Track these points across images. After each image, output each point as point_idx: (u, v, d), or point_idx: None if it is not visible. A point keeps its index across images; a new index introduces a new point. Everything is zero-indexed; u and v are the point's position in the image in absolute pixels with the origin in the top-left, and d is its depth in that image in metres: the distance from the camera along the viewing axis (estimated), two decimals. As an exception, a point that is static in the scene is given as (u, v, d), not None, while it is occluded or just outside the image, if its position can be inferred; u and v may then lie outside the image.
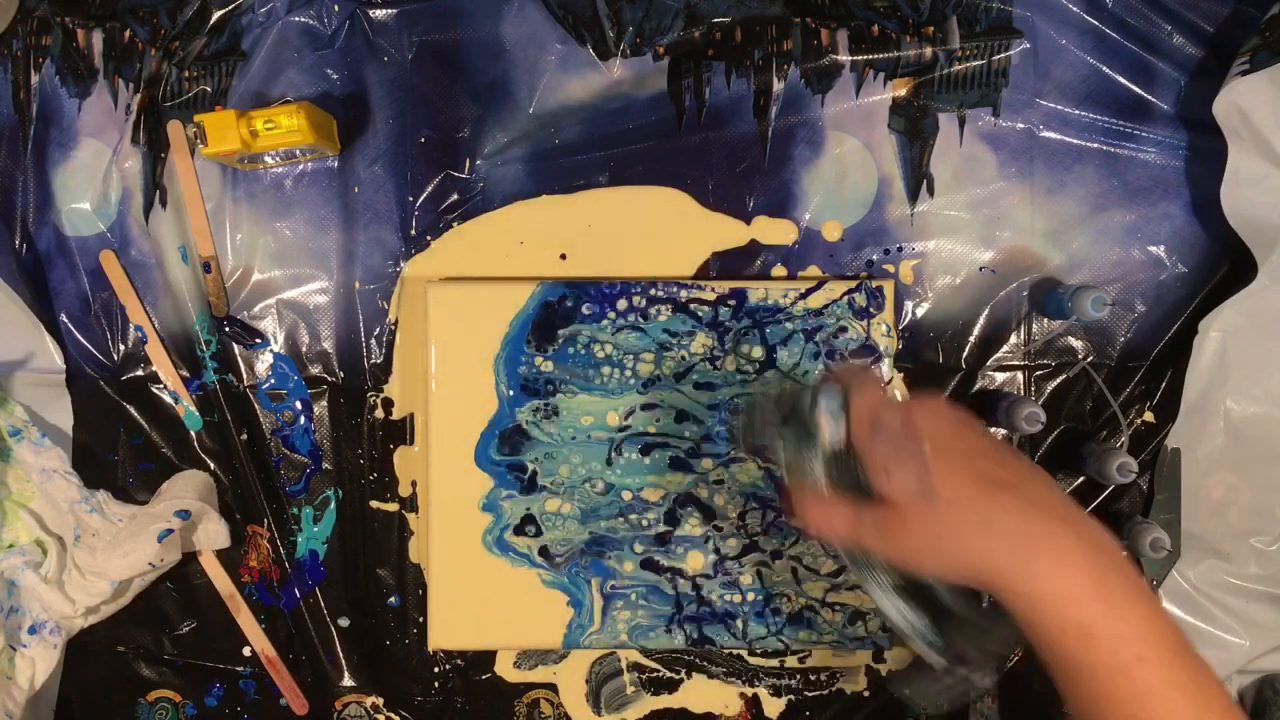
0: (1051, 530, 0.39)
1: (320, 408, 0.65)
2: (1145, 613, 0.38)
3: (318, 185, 0.65)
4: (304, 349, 0.65)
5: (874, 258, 0.64)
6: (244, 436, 0.65)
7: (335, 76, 0.64)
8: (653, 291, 0.62)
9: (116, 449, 0.66)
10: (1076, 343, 0.64)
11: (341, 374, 0.65)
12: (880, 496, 0.42)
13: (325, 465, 0.66)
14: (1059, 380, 0.64)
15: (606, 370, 0.63)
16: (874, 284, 0.62)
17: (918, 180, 0.64)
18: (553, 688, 0.66)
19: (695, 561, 0.63)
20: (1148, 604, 0.39)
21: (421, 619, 0.65)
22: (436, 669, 0.66)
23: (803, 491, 0.45)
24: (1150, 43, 0.63)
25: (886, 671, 0.65)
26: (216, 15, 0.64)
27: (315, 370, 0.65)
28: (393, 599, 0.66)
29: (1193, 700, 0.37)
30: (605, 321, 0.62)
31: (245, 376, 0.65)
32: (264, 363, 0.65)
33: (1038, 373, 0.64)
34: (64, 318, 0.65)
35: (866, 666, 0.66)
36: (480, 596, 0.63)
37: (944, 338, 0.64)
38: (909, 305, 0.64)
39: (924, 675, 0.46)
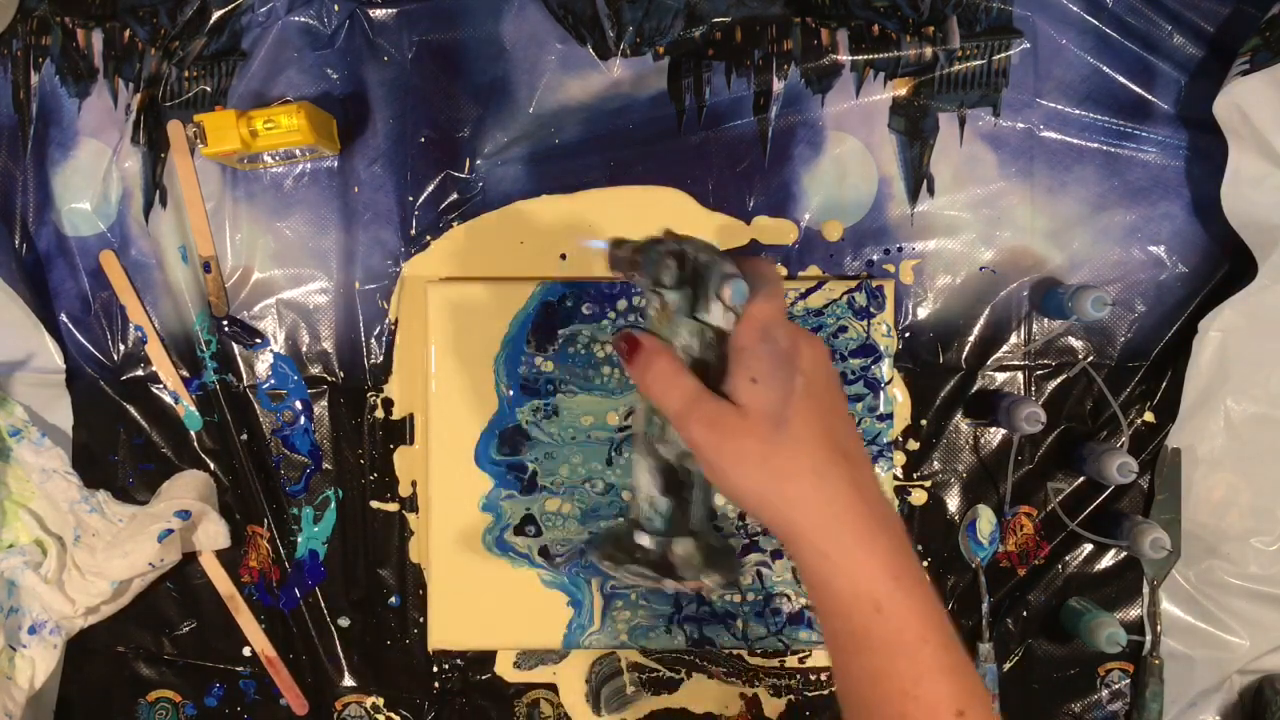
0: (869, 509, 0.40)
1: (320, 408, 0.65)
2: (929, 599, 0.40)
3: (317, 185, 0.65)
4: (304, 349, 0.65)
5: (874, 258, 0.64)
6: (244, 436, 0.65)
7: (335, 76, 0.64)
8: (653, 291, 0.62)
9: (116, 449, 0.66)
10: (1076, 343, 0.64)
11: (341, 374, 0.65)
12: (730, 397, 0.42)
13: (325, 465, 0.66)
14: (1059, 380, 0.64)
15: (606, 370, 0.63)
16: (874, 284, 0.62)
17: (918, 180, 0.64)
18: (553, 688, 0.66)
19: (695, 561, 0.63)
20: (931, 592, 0.40)
21: (421, 619, 0.65)
22: (436, 669, 0.66)
23: (656, 347, 0.44)
24: (1150, 43, 0.62)
25: (592, 532, 0.63)
26: (216, 15, 0.64)
27: (315, 370, 0.65)
28: (393, 599, 0.66)
29: (960, 687, 0.39)
30: (605, 321, 0.62)
31: (245, 376, 0.65)
32: (264, 363, 0.65)
33: (1038, 373, 0.64)
34: (64, 318, 0.65)
35: (866, 666, 0.66)
36: (480, 596, 0.63)
37: (944, 338, 0.64)
38: (909, 305, 0.64)
39: (634, 567, 0.46)
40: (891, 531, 0.40)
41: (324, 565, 0.66)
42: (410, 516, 0.66)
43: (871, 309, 0.62)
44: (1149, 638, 0.64)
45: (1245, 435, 0.63)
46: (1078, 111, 0.63)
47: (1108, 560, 0.65)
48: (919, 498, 0.65)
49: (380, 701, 0.66)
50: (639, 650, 0.65)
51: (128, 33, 0.65)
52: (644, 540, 0.45)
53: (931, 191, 0.64)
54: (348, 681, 0.66)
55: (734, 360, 0.42)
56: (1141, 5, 0.62)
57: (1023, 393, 0.64)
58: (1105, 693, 0.65)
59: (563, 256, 0.65)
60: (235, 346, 0.65)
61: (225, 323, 0.65)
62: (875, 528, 0.40)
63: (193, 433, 0.66)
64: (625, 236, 0.48)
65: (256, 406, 0.65)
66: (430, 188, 0.64)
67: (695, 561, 0.45)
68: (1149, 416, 0.64)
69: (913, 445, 0.65)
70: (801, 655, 0.65)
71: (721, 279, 0.43)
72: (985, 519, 0.64)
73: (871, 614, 0.39)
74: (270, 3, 0.64)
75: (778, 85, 0.63)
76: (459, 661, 0.66)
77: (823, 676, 0.66)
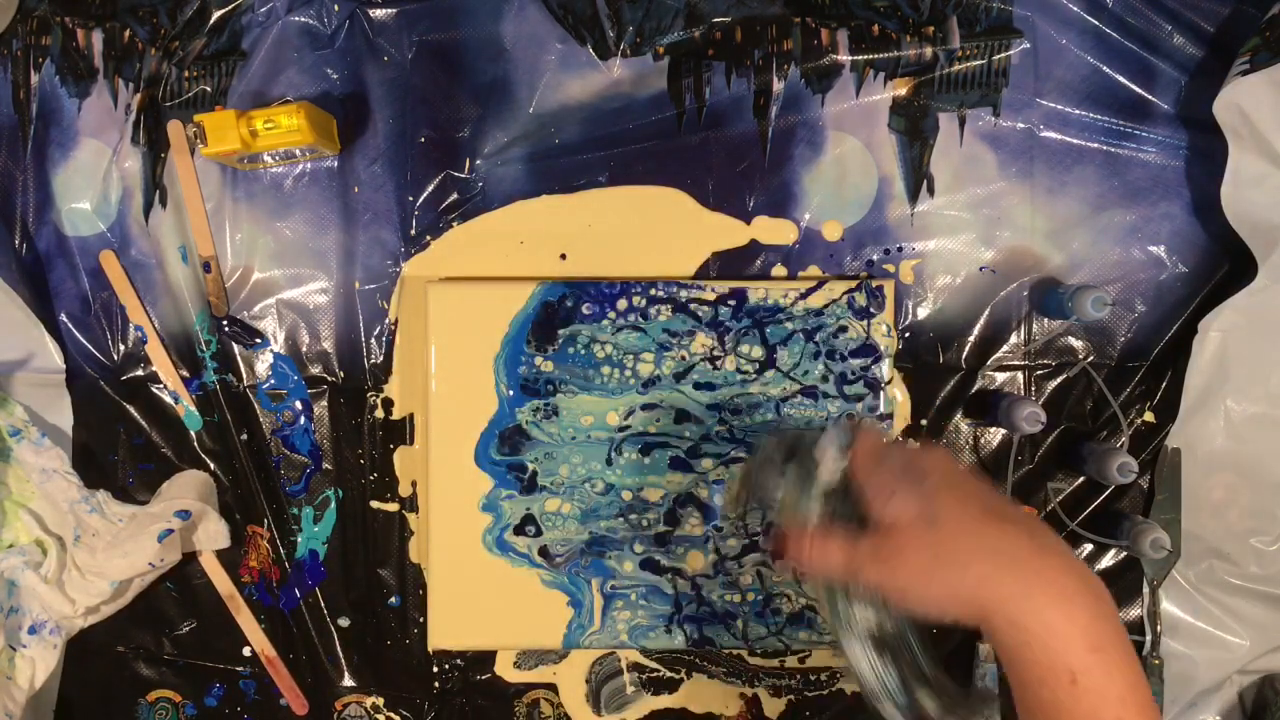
0: (1055, 566, 0.39)
1: (320, 408, 0.65)
2: (1132, 672, 0.38)
3: (317, 185, 0.65)
4: (304, 349, 0.65)
5: (874, 258, 0.64)
6: (244, 436, 0.65)
7: (335, 76, 0.64)
8: (653, 291, 0.62)
9: (116, 449, 0.66)
10: (1076, 343, 0.64)
11: (341, 374, 0.65)
12: (879, 523, 0.42)
13: (325, 465, 0.66)
14: (1059, 380, 0.64)
15: (606, 370, 0.63)
16: (874, 284, 0.62)
17: (918, 180, 0.64)
18: (553, 688, 0.66)
19: (695, 561, 0.63)
20: (1134, 661, 0.39)
21: (421, 619, 0.65)
22: (436, 669, 0.66)
23: (798, 530, 0.45)
24: (1150, 43, 0.62)
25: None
26: (216, 15, 0.64)
27: (315, 370, 0.65)
28: (393, 599, 0.66)
29: None
30: (605, 321, 0.62)
31: (245, 376, 0.65)
32: (264, 363, 0.65)
33: (1038, 373, 0.64)
34: (64, 318, 0.65)
35: (866, 666, 0.66)
36: (480, 596, 0.63)
37: (944, 338, 0.64)
38: (909, 305, 0.64)
39: None
40: (1092, 594, 0.39)
41: (324, 565, 0.66)
42: (410, 516, 0.66)
43: (871, 309, 0.62)
44: (1149, 638, 0.64)
45: (1245, 435, 0.63)
46: (1078, 111, 0.63)
47: (1108, 560, 0.65)
48: (919, 498, 0.65)
49: (380, 701, 0.66)
50: (639, 650, 0.65)
51: (128, 33, 0.65)
52: (892, 713, 0.45)
53: (931, 191, 0.64)
54: (348, 681, 0.66)
55: (867, 493, 0.43)
56: (1141, 5, 0.62)
57: (1023, 393, 0.64)
58: (1105, 693, 0.65)
59: (563, 256, 0.65)
60: (235, 346, 0.65)
61: (225, 323, 0.65)
62: (1072, 590, 0.38)
63: (193, 433, 0.66)
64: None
65: (256, 406, 0.65)
66: (430, 188, 0.64)
67: (947, 707, 0.44)
68: (1149, 416, 0.64)
69: (913, 445, 0.64)
70: (801, 655, 0.65)
71: (815, 438, 0.45)
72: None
73: (1067, 686, 0.38)
74: (270, 3, 0.64)
75: (778, 85, 0.63)
76: (459, 661, 0.66)
77: (823, 676, 0.66)
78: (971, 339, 0.64)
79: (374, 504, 0.66)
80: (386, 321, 0.65)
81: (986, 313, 0.64)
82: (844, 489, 0.45)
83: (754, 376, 0.62)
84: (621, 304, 0.62)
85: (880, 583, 0.42)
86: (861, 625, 0.45)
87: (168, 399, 0.66)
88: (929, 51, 0.62)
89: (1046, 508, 0.64)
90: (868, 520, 0.43)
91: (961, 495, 0.41)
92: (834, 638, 0.47)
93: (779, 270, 0.64)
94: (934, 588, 0.40)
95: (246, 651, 0.66)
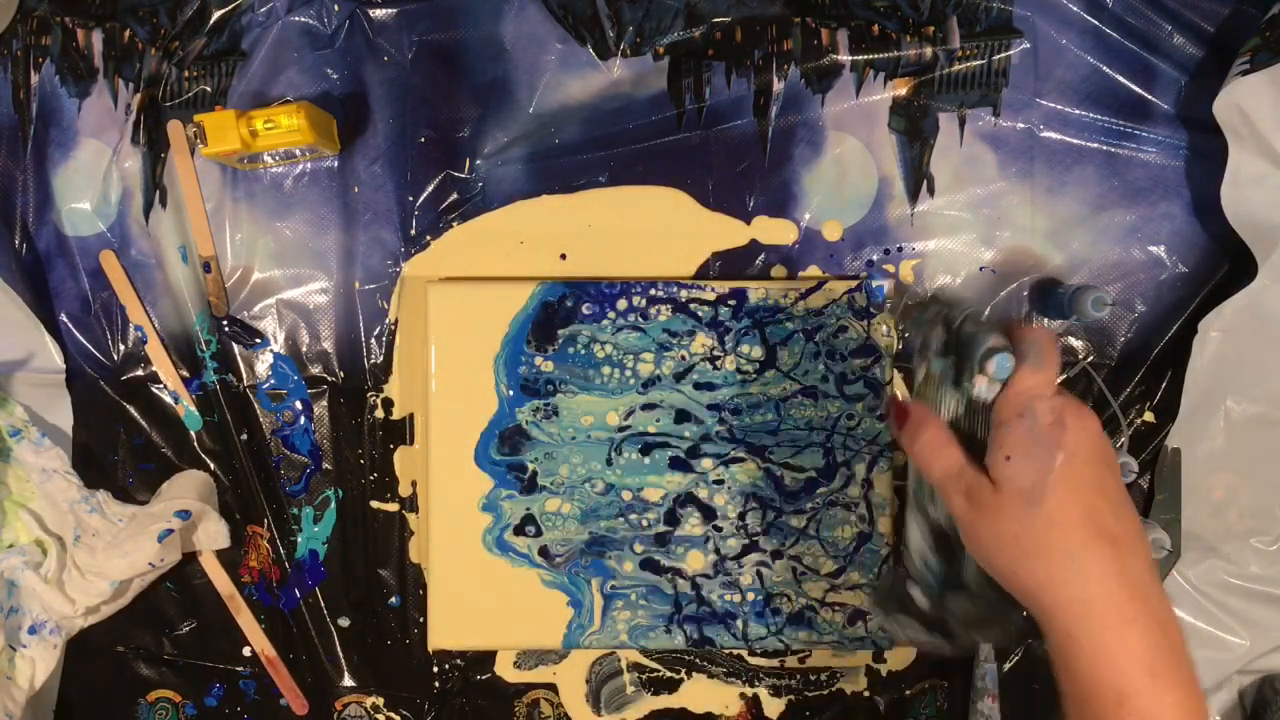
0: (1129, 595, 0.39)
1: (320, 408, 0.65)
2: (1187, 701, 0.38)
3: (317, 185, 0.65)
4: (304, 349, 0.65)
5: (874, 258, 0.64)
6: (244, 436, 0.65)
7: (335, 76, 0.64)
8: (653, 291, 0.62)
9: (116, 449, 0.66)
10: (1076, 343, 0.64)
11: (341, 374, 0.65)
12: (989, 472, 0.42)
13: (325, 465, 0.66)
14: (1059, 380, 0.64)
15: (606, 370, 0.63)
16: (874, 284, 0.62)
17: (918, 180, 0.64)
18: (553, 688, 0.66)
19: (695, 561, 0.63)
20: (1191, 692, 0.38)
21: (421, 619, 0.65)
22: (436, 669, 0.66)
23: (923, 417, 0.44)
24: (1150, 43, 0.62)
25: (874, 588, 0.63)
26: (216, 15, 0.64)
27: (315, 370, 0.65)
28: (393, 599, 0.66)
29: None
30: (605, 321, 0.62)
31: (245, 376, 0.65)
32: (264, 363, 0.65)
33: (1038, 373, 0.64)
34: (64, 318, 0.65)
35: (867, 666, 0.66)
36: (480, 596, 0.63)
37: (944, 338, 0.64)
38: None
39: (906, 619, 0.46)
40: (1153, 622, 0.39)
41: (324, 565, 0.66)
42: (410, 516, 0.66)
43: (871, 309, 0.62)
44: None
45: (1245, 435, 0.63)
46: (1078, 111, 0.63)
47: (1108, 560, 0.65)
48: (919, 498, 0.65)
49: (380, 701, 0.66)
50: (639, 650, 0.65)
51: (128, 33, 0.65)
52: (917, 594, 0.45)
53: (931, 191, 0.64)
54: (348, 681, 0.66)
55: (993, 435, 0.42)
56: (1141, 5, 0.62)
57: (1023, 393, 0.64)
58: (1105, 693, 0.65)
59: (563, 256, 0.65)
60: (235, 346, 0.65)
61: (225, 323, 0.65)
62: (1131, 616, 0.38)
63: (193, 433, 0.66)
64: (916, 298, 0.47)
65: (256, 406, 0.65)
66: (430, 188, 0.64)
67: (970, 618, 0.44)
68: (1149, 416, 0.64)
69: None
70: (801, 655, 0.65)
71: (986, 352, 0.43)
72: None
73: (1113, 706, 0.38)
74: (270, 3, 0.64)
75: (778, 85, 0.63)
76: (459, 661, 0.66)
77: (823, 676, 0.66)
78: (971, 339, 0.64)
79: (374, 504, 0.66)
80: (386, 321, 0.65)
81: (987, 313, 0.64)
82: (984, 411, 0.44)
83: (754, 376, 0.62)
84: (621, 304, 0.62)
85: (960, 520, 0.42)
86: (932, 514, 0.45)
87: (168, 399, 0.66)
88: (929, 51, 0.62)
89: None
90: (985, 456, 0.42)
91: (1076, 491, 0.40)
92: (906, 503, 0.47)
93: (779, 270, 0.64)
94: (1005, 561, 0.41)
95: (246, 651, 0.66)
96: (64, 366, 0.65)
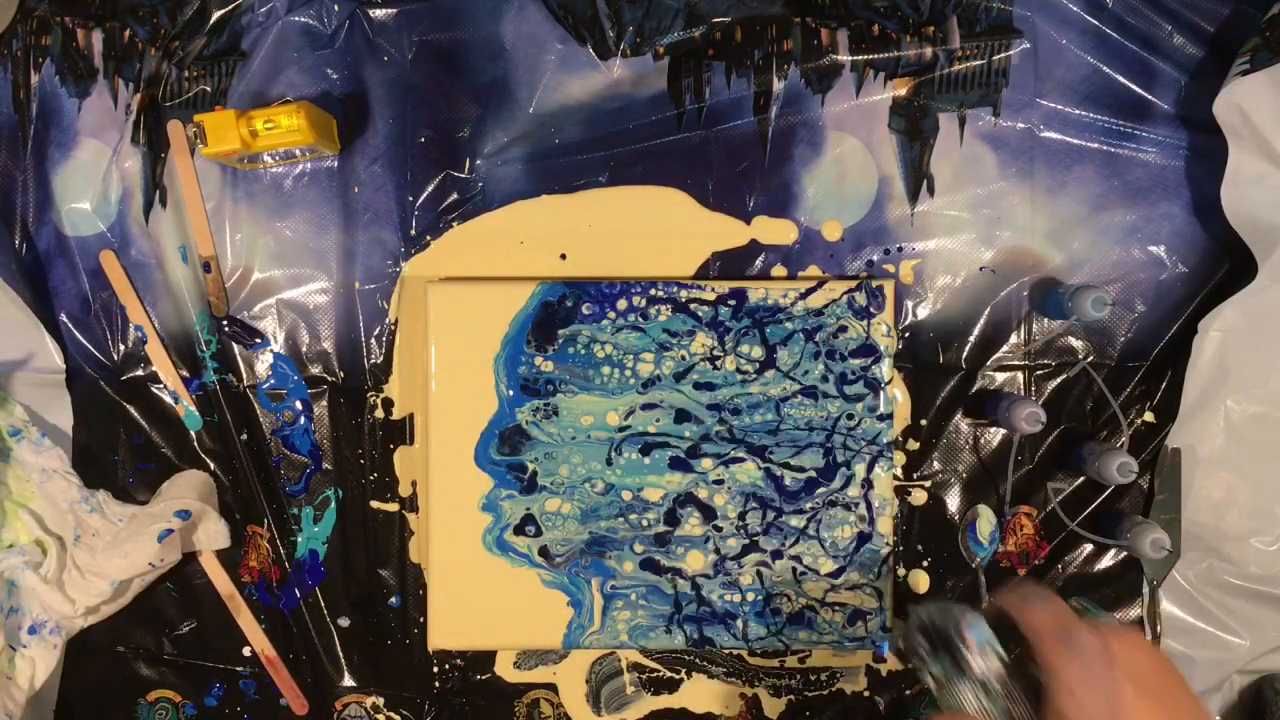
0: None
1: (320, 408, 0.65)
2: None
3: (317, 185, 0.65)
4: (304, 349, 0.65)
5: (874, 258, 0.64)
6: (244, 436, 0.65)
7: (335, 76, 0.64)
8: (653, 291, 0.62)
9: (116, 449, 0.66)
10: (1076, 343, 0.64)
11: (341, 374, 0.65)
12: (1052, 715, 0.40)
13: (325, 465, 0.66)
14: (1059, 380, 0.64)
15: (606, 370, 0.63)
16: (874, 284, 0.62)
17: (918, 180, 0.64)
18: (553, 688, 0.66)
19: (695, 561, 0.63)
20: None
21: (421, 619, 0.65)
22: (436, 669, 0.66)
23: (955, 717, 0.44)
24: (1150, 43, 0.62)
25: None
26: (216, 15, 0.64)
27: (315, 370, 0.65)
28: (393, 599, 0.66)
29: None
30: (605, 321, 0.62)
31: (245, 376, 0.65)
32: (264, 363, 0.65)
33: (1038, 373, 0.64)
34: (64, 318, 0.65)
35: (867, 666, 0.66)
36: (480, 596, 0.63)
37: (944, 338, 0.64)
38: (909, 305, 0.64)
39: None
40: None
41: (324, 565, 0.66)
42: (410, 516, 0.66)
43: (871, 309, 0.62)
44: (1149, 638, 0.64)
45: (1245, 435, 0.63)
46: (1078, 111, 0.63)
47: (1108, 560, 0.65)
48: (919, 498, 0.65)
49: (380, 701, 0.66)
50: (639, 650, 0.65)
51: (128, 33, 0.65)
52: None
53: (931, 191, 0.64)
54: (348, 681, 0.66)
55: (1049, 680, 0.41)
56: (1141, 5, 0.62)
57: (1023, 393, 0.64)
58: (1105, 693, 0.65)
59: (563, 256, 0.65)
60: (235, 346, 0.65)
61: (225, 323, 0.65)
62: None
63: (193, 433, 0.66)
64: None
65: (256, 406, 0.65)
66: (430, 188, 0.64)
67: None
68: (1149, 416, 0.64)
69: (913, 445, 0.65)
70: (801, 655, 0.65)
71: (957, 628, 0.43)
72: (985, 519, 0.64)
73: None
74: (270, 3, 0.64)
75: (778, 85, 0.63)
76: (459, 661, 0.66)
77: (823, 676, 0.66)
78: (971, 339, 0.64)
79: (374, 504, 0.66)
80: (386, 321, 0.65)
81: (986, 313, 0.64)
82: (1003, 684, 0.43)
83: (754, 376, 0.62)
84: (621, 304, 0.62)
85: None
86: None
87: (168, 399, 0.66)
88: (929, 51, 0.62)
89: (1046, 508, 0.64)
90: (1040, 696, 0.41)
91: (1155, 707, 0.39)
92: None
93: (779, 270, 0.64)
94: None
95: (246, 651, 0.66)
96: (64, 366, 0.65)
